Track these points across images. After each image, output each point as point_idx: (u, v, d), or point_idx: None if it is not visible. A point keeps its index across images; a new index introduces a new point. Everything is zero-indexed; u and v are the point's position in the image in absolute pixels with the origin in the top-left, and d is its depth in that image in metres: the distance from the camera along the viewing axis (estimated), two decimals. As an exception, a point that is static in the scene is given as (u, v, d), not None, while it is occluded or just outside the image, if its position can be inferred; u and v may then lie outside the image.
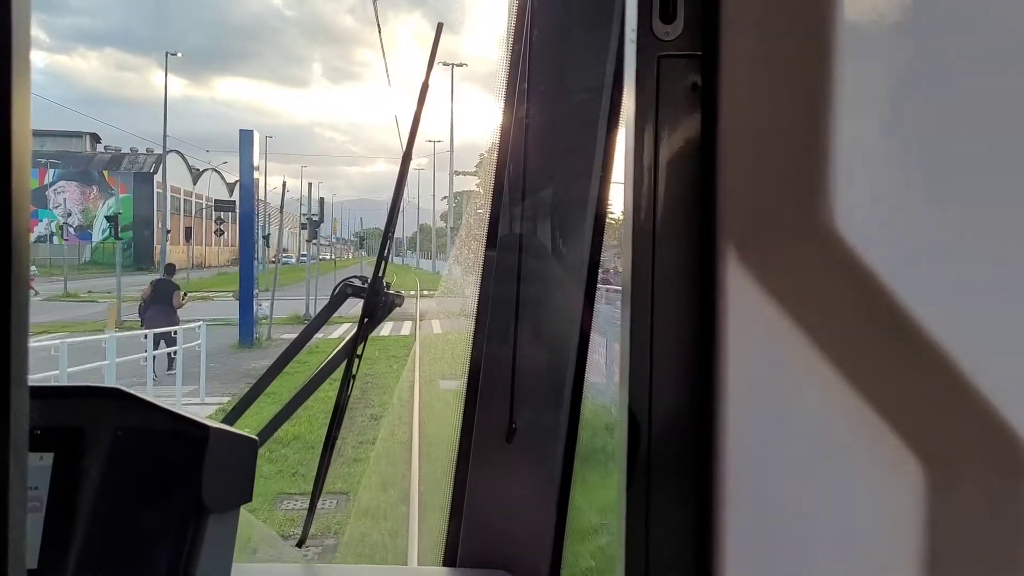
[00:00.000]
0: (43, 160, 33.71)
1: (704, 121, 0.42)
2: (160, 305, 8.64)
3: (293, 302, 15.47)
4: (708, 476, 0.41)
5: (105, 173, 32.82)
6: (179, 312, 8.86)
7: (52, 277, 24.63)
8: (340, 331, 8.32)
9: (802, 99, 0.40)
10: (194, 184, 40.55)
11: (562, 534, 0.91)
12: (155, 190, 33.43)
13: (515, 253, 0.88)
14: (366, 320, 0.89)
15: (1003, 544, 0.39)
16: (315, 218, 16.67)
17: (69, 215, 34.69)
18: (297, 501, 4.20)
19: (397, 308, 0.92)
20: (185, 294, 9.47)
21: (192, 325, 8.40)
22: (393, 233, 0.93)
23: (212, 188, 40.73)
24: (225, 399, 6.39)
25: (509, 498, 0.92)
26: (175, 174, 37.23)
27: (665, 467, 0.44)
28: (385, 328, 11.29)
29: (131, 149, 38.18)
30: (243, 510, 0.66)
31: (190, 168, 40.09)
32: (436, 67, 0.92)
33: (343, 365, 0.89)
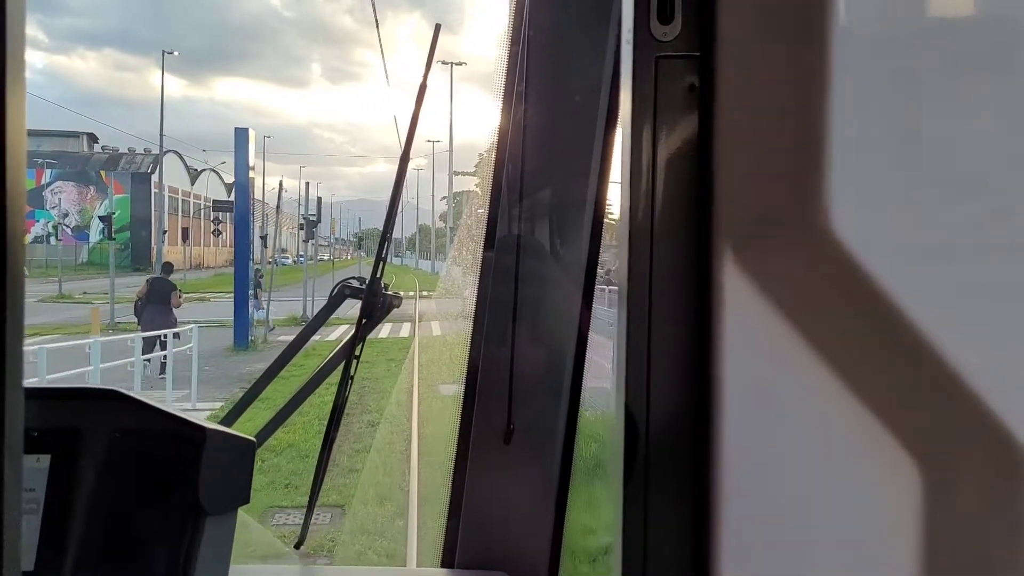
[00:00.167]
0: (40, 160, 33.59)
1: (701, 121, 0.42)
2: (157, 305, 8.48)
3: (291, 303, 15.34)
4: (705, 476, 0.41)
5: (102, 173, 32.72)
6: (175, 312, 8.70)
7: (48, 278, 24.39)
8: (338, 333, 8.14)
9: (798, 100, 0.40)
10: (192, 184, 40.45)
11: (560, 535, 0.91)
12: (152, 190, 33.34)
13: (513, 254, 0.88)
14: (364, 321, 0.89)
15: (997, 542, 0.39)
16: (312, 218, 16.57)
17: (66, 215, 34.57)
18: (290, 515, 3.93)
19: (396, 309, 0.92)
20: (182, 294, 9.32)
21: (183, 328, 8.21)
22: (391, 234, 0.93)
23: (210, 188, 40.64)
24: (217, 404, 6.19)
25: (507, 499, 0.92)
26: (173, 174, 37.13)
27: (662, 466, 0.44)
28: (383, 330, 11.08)
29: (129, 149, 38.09)
30: (240, 512, 0.65)
31: (188, 168, 39.99)
32: (435, 66, 0.92)
33: (341, 366, 0.89)
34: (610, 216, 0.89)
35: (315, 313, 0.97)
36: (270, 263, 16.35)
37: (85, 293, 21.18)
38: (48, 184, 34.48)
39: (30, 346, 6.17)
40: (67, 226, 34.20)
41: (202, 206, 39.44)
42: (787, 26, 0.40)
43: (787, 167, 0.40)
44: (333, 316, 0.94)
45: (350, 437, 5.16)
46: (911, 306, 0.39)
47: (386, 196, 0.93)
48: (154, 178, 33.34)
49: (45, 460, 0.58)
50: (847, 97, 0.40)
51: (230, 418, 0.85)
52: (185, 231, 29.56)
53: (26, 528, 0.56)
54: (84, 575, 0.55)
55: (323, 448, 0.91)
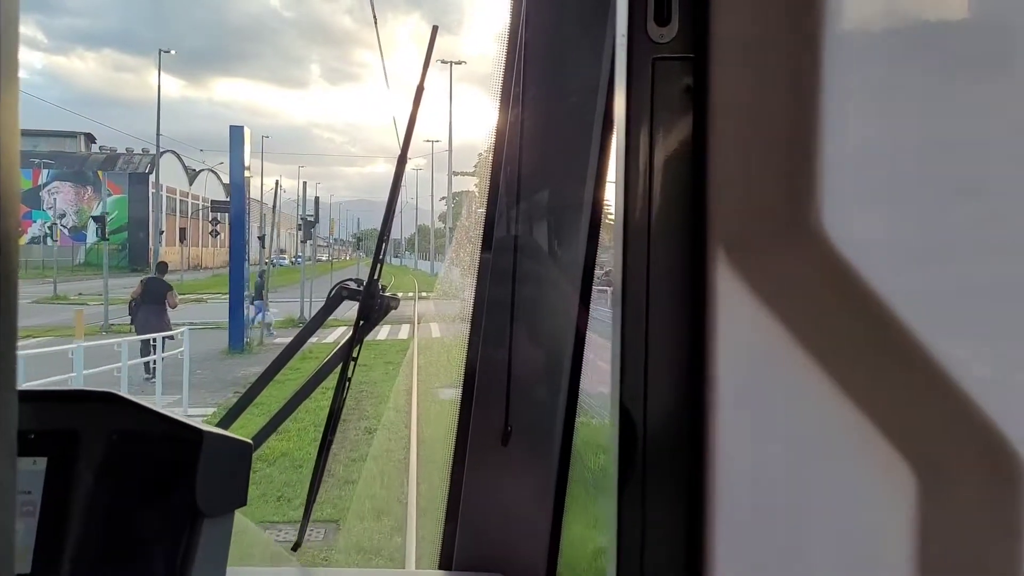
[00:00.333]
0: (37, 160, 33.49)
1: (698, 123, 0.42)
2: (151, 305, 8.26)
3: (288, 304, 15.18)
4: (700, 477, 0.41)
5: (100, 173, 32.64)
6: (171, 313, 8.48)
7: (44, 279, 24.16)
8: (335, 335, 7.98)
9: (794, 102, 0.40)
10: (190, 185, 40.38)
11: (558, 537, 0.91)
12: (150, 191, 33.26)
13: (511, 255, 0.88)
14: (362, 323, 0.89)
15: (991, 543, 0.39)
16: (310, 218, 16.45)
17: (63, 216, 34.47)
18: (281, 531, 3.63)
19: (394, 310, 0.92)
20: (176, 294, 9.05)
21: (174, 332, 7.92)
22: (389, 235, 0.93)
23: (208, 189, 40.58)
24: (210, 410, 5.99)
25: (505, 501, 0.92)
26: (171, 175, 37.05)
27: (658, 468, 0.44)
28: (382, 332, 10.75)
29: (127, 149, 37.99)
30: (237, 513, 0.65)
31: (186, 169, 39.92)
32: (434, 66, 0.92)
33: (339, 369, 0.89)
34: (608, 217, 0.89)
35: (313, 315, 0.97)
36: (268, 264, 16.21)
37: (80, 294, 20.94)
38: (45, 184, 34.38)
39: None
40: (64, 227, 34.11)
41: (200, 206, 39.38)
42: (784, 28, 0.40)
43: (783, 169, 0.40)
44: (331, 318, 0.94)
45: (347, 445, 4.87)
46: (904, 307, 0.39)
47: (385, 196, 0.93)
48: (151, 178, 33.27)
49: (42, 463, 0.57)
50: (842, 99, 0.40)
51: (227, 420, 0.85)
52: (182, 231, 29.50)
53: (23, 530, 0.55)
54: None
55: (320, 451, 0.90)
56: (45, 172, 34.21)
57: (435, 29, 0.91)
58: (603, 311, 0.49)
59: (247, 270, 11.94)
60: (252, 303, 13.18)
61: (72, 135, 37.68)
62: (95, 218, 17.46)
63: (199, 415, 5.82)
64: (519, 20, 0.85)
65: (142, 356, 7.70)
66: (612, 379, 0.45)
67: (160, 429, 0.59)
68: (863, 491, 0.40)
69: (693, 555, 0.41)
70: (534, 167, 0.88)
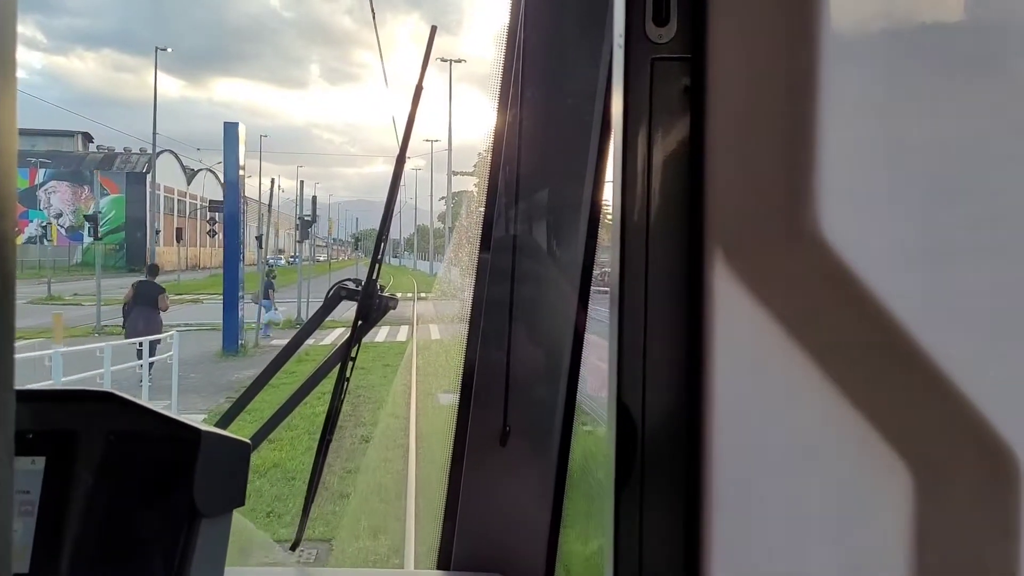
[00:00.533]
0: (34, 160, 33.37)
1: (696, 124, 0.42)
2: (143, 308, 8.17)
3: (285, 305, 15.00)
4: (697, 479, 0.41)
5: (97, 173, 32.54)
6: (164, 315, 8.34)
7: (39, 279, 23.91)
8: (332, 337, 7.80)
9: (793, 103, 0.40)
10: (188, 184, 40.28)
11: (556, 537, 0.91)
12: (148, 190, 33.19)
13: (510, 255, 0.88)
14: (360, 323, 0.89)
15: (989, 544, 0.40)
16: (307, 218, 16.33)
17: (59, 216, 34.36)
18: (272, 549, 3.42)
19: (393, 311, 0.92)
20: (168, 296, 8.84)
21: (163, 335, 7.68)
22: (387, 235, 0.93)
23: (207, 188, 40.49)
24: (200, 416, 5.62)
25: (503, 501, 0.92)
26: (169, 174, 36.95)
27: (655, 468, 0.44)
28: (380, 334, 10.50)
29: (124, 149, 37.89)
30: (235, 514, 0.65)
31: (184, 168, 39.82)
32: (434, 65, 0.92)
33: (337, 369, 0.89)
34: (607, 217, 0.89)
35: (310, 315, 0.97)
36: (267, 263, 16.06)
37: (76, 295, 20.60)
38: (42, 184, 34.27)
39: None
40: (61, 226, 34.00)
41: (198, 206, 39.29)
42: (783, 29, 0.40)
43: (781, 169, 0.40)
44: (328, 319, 0.93)
45: (342, 455, 4.47)
46: (902, 307, 0.39)
47: (384, 196, 0.93)
48: (149, 178, 33.18)
49: (40, 462, 0.57)
50: (840, 100, 0.40)
51: (226, 420, 0.85)
52: (179, 231, 29.37)
53: (21, 530, 0.55)
54: None
55: (319, 451, 0.90)
56: (42, 172, 34.10)
57: (434, 29, 0.91)
58: (603, 311, 0.49)
59: (242, 270, 11.62)
60: (258, 302, 13.07)
61: (69, 134, 37.57)
62: (87, 217, 17.10)
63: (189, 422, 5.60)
64: (518, 20, 0.85)
65: (138, 359, 7.51)
66: (609, 379, 0.45)
67: (158, 429, 0.59)
68: (861, 492, 0.40)
69: (690, 556, 0.41)
70: (533, 167, 0.88)
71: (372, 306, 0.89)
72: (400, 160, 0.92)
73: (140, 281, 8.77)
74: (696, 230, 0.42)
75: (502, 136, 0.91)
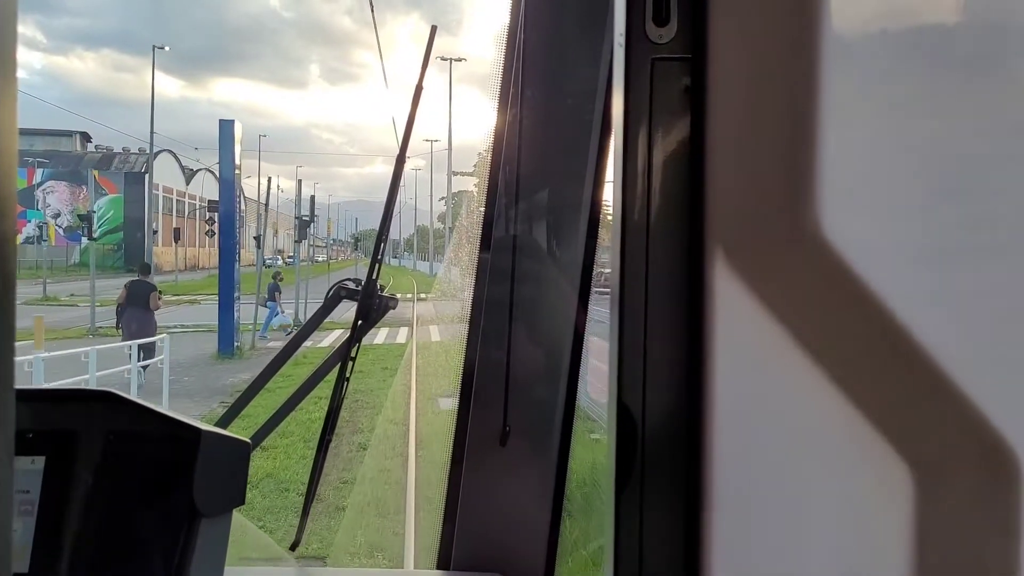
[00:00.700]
0: (31, 159, 33.30)
1: (697, 124, 0.42)
2: (135, 308, 8.02)
3: (283, 306, 15.01)
4: (698, 479, 0.41)
5: (95, 173, 32.47)
6: (159, 316, 8.18)
7: (37, 279, 23.67)
8: (330, 339, 7.64)
9: (793, 103, 0.40)
10: (187, 184, 40.21)
11: (556, 537, 0.91)
12: (146, 190, 33.13)
13: (510, 255, 0.88)
14: (360, 323, 0.89)
15: (987, 546, 0.40)
16: (306, 218, 16.22)
17: (57, 215, 34.29)
18: (260, 573, 3.19)
19: (392, 312, 0.92)
20: (161, 295, 8.68)
21: (154, 338, 7.44)
22: (387, 235, 0.93)
23: (206, 188, 40.43)
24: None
25: (503, 501, 0.92)
26: (168, 174, 36.87)
27: (656, 469, 0.44)
28: (379, 335, 10.29)
29: (123, 149, 37.82)
30: (235, 513, 0.65)
31: (183, 168, 39.76)
32: (434, 64, 0.92)
33: (337, 368, 0.89)
34: (607, 217, 0.89)
35: (309, 317, 0.97)
36: (265, 264, 15.92)
37: (72, 295, 20.28)
38: (40, 184, 34.20)
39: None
40: (59, 227, 33.92)
41: (197, 206, 39.23)
42: (783, 29, 0.41)
43: (781, 169, 0.41)
44: (326, 320, 0.93)
45: (339, 463, 4.20)
46: (902, 307, 0.39)
47: (383, 197, 0.93)
48: (147, 177, 33.11)
49: (40, 462, 0.57)
50: (841, 100, 0.40)
51: (226, 419, 0.85)
52: (177, 231, 29.31)
53: (21, 529, 0.55)
54: (79, 575, 0.55)
55: (319, 450, 0.90)
56: (40, 171, 34.02)
57: (434, 29, 0.91)
58: (606, 312, 0.49)
59: (238, 271, 11.33)
60: (265, 304, 12.72)
61: (68, 134, 37.50)
62: (82, 217, 16.75)
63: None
64: (518, 20, 0.85)
65: (129, 363, 7.20)
66: (610, 379, 0.45)
67: (158, 428, 0.59)
68: (862, 492, 0.40)
69: (690, 556, 0.41)
70: (533, 167, 0.88)
71: (372, 306, 0.89)
72: (400, 160, 0.92)
73: (133, 280, 8.61)
74: (696, 230, 0.42)
75: (502, 136, 0.91)
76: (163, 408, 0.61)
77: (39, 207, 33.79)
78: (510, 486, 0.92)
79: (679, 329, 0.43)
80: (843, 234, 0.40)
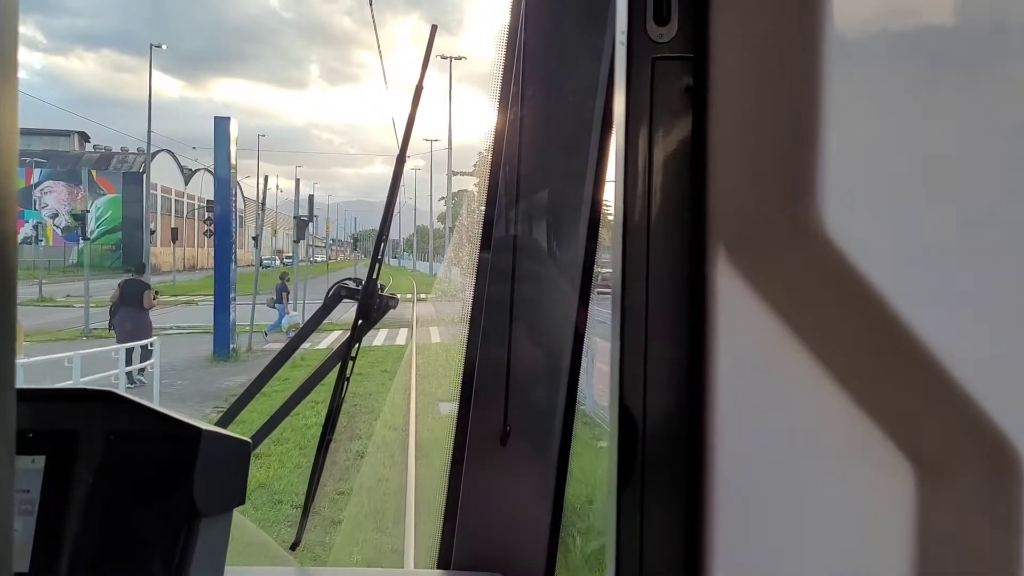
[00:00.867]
0: (29, 159, 33.21)
1: (697, 123, 0.42)
2: (129, 308, 7.90)
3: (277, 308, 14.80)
4: (699, 478, 0.41)
5: (93, 172, 32.38)
6: (154, 316, 8.08)
7: (33, 280, 23.23)
8: (329, 340, 7.51)
9: (794, 102, 0.40)
10: (186, 184, 40.15)
11: (556, 537, 0.91)
12: (146, 190, 33.06)
13: (510, 255, 0.88)
14: (360, 323, 0.89)
15: (988, 545, 0.40)
16: (304, 218, 16.12)
17: (55, 216, 34.21)
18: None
19: (392, 312, 0.92)
20: (156, 294, 8.55)
21: (145, 341, 7.25)
22: (387, 235, 0.93)
23: (204, 189, 40.35)
24: None
25: (504, 500, 0.92)
26: (167, 174, 36.81)
27: (657, 468, 0.44)
28: (378, 337, 10.08)
29: (121, 148, 37.75)
30: (236, 513, 0.65)
31: (181, 168, 39.70)
32: (434, 63, 0.92)
33: (337, 368, 0.89)
34: (608, 216, 0.89)
35: (307, 317, 0.97)
36: (262, 265, 15.78)
37: (69, 296, 19.98)
38: (37, 184, 34.12)
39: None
40: (57, 227, 33.84)
41: (196, 206, 39.16)
42: (784, 28, 0.41)
43: (782, 169, 0.41)
44: (325, 322, 0.93)
45: (335, 473, 3.97)
46: (904, 306, 0.39)
47: (383, 197, 0.93)
48: (144, 177, 33.03)
49: (40, 461, 0.57)
50: (842, 100, 0.40)
51: (226, 419, 0.84)
52: (174, 231, 29.24)
53: (21, 529, 0.55)
54: (79, 575, 0.55)
55: (319, 450, 0.90)
56: (37, 171, 33.95)
57: (434, 28, 0.91)
58: (608, 312, 0.49)
59: (233, 271, 11.12)
60: (273, 306, 12.56)
61: (66, 134, 37.43)
62: (75, 216, 16.40)
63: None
64: (518, 20, 0.85)
65: (126, 366, 6.96)
66: (611, 379, 0.45)
67: (158, 428, 0.59)
68: (863, 492, 0.40)
69: (691, 556, 0.41)
70: (533, 167, 0.88)
71: (372, 305, 0.89)
72: (400, 160, 0.92)
73: (127, 280, 8.48)
74: (698, 230, 0.42)
75: (502, 136, 0.91)
76: (163, 408, 0.61)
77: (36, 207, 33.72)
78: (510, 486, 0.92)
79: (680, 329, 0.43)
80: (844, 234, 0.40)
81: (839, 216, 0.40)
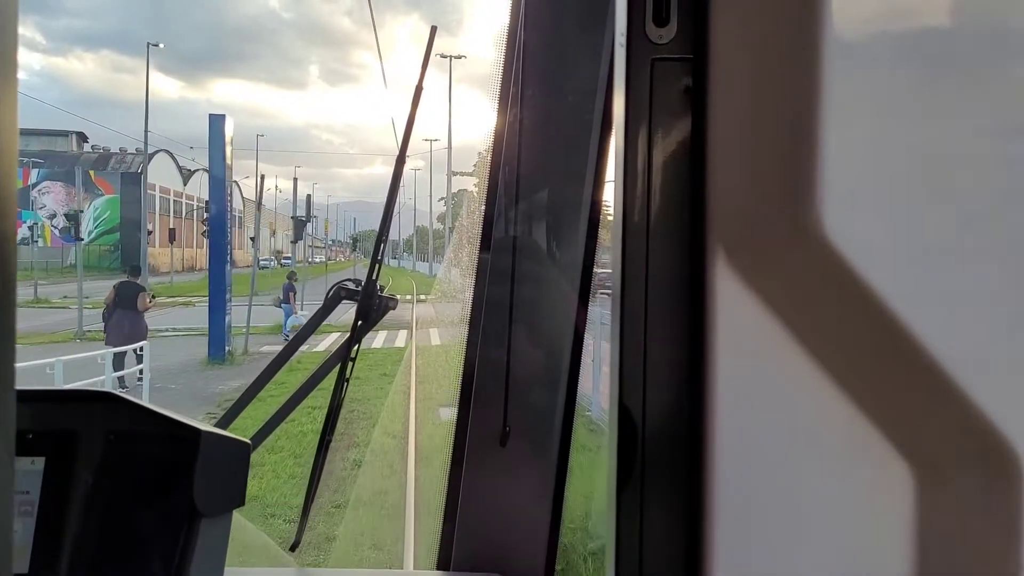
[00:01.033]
0: (27, 160, 33.13)
1: (697, 124, 0.42)
2: (124, 310, 7.77)
3: (277, 310, 14.41)
4: (699, 478, 0.41)
5: (91, 173, 32.29)
6: (149, 318, 7.91)
7: (29, 281, 23.19)
8: (327, 342, 7.35)
9: (793, 103, 0.40)
10: (184, 185, 40.08)
11: (556, 537, 0.91)
12: (143, 190, 32.98)
13: (509, 255, 0.88)
14: (360, 323, 0.89)
15: (988, 545, 0.40)
16: (301, 218, 16.03)
17: (53, 216, 34.14)
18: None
19: (392, 313, 0.92)
20: (152, 296, 8.40)
21: (134, 345, 7.07)
22: (387, 236, 0.93)
23: (203, 189, 40.25)
24: None
25: (503, 501, 0.92)
26: (165, 174, 36.74)
27: (657, 468, 0.44)
28: (377, 339, 9.89)
29: (120, 149, 37.71)
30: (235, 513, 0.65)
31: (180, 168, 39.64)
32: (434, 63, 0.92)
33: (337, 368, 0.89)
34: (607, 217, 0.89)
35: (308, 318, 0.97)
36: (259, 265, 15.66)
37: (65, 297, 19.65)
38: (35, 184, 34.05)
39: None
40: (55, 227, 33.77)
41: (195, 207, 39.10)
42: (783, 29, 0.41)
43: (782, 169, 0.41)
44: (323, 323, 0.93)
45: (331, 483, 3.81)
46: (903, 306, 0.39)
47: (383, 197, 0.93)
48: (142, 177, 32.96)
49: (40, 462, 0.57)
50: (842, 100, 0.40)
51: (226, 420, 0.84)
52: (172, 232, 29.18)
53: (21, 530, 0.55)
54: None
55: (319, 451, 0.90)
56: (35, 172, 33.88)
57: (434, 29, 0.91)
58: (606, 313, 0.49)
59: (229, 272, 10.90)
60: (279, 305, 12.36)
61: (64, 134, 37.37)
62: (69, 217, 16.04)
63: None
64: (518, 20, 0.85)
65: (115, 369, 6.74)
66: (611, 379, 0.45)
67: (158, 429, 0.59)
68: (862, 492, 0.40)
69: (691, 556, 0.41)
70: (533, 167, 0.88)
71: (372, 306, 0.89)
72: (400, 160, 0.92)
73: (122, 282, 8.31)
74: (697, 230, 0.42)
75: (502, 136, 0.91)
76: (163, 408, 0.61)
77: (34, 208, 33.64)
78: (510, 486, 0.92)
79: (680, 329, 0.43)
80: (844, 234, 0.40)
81: (839, 216, 0.40)
